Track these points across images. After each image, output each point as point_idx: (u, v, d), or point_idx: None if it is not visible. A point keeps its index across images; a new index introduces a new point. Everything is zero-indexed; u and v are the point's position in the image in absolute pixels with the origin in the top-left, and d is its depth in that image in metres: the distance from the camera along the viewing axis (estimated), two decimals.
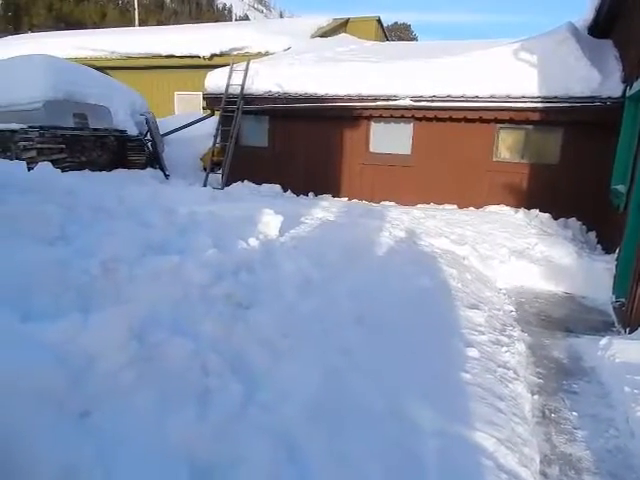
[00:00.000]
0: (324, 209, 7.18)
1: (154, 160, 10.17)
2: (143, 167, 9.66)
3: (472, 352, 3.42)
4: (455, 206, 8.30)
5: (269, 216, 4.98)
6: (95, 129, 8.71)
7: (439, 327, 3.67)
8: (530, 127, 7.82)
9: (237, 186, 9.38)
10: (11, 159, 7.13)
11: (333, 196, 9.25)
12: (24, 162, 3.74)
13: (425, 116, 8.29)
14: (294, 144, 9.67)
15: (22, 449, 1.51)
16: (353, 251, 4.69)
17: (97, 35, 18.98)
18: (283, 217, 5.00)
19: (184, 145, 11.60)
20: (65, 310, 2.08)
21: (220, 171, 9.71)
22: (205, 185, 9.35)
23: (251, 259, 3.71)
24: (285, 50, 12.81)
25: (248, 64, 9.76)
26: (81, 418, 1.67)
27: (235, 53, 13.52)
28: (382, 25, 17.91)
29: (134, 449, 1.66)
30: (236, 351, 2.43)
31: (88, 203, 3.28)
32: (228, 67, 10.00)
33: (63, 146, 8.08)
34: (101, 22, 49.09)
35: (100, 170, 8.62)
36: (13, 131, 7.61)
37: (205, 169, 10.26)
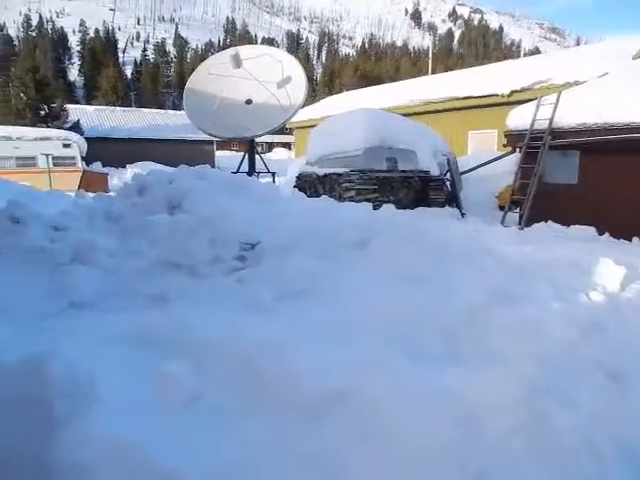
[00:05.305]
0: None
1: (452, 199, 10.34)
2: (442, 205, 9.92)
3: None
4: None
5: (606, 266, 4.26)
6: (402, 171, 9.44)
7: None
8: None
9: (539, 226, 8.60)
10: (335, 198, 8.33)
11: None
12: (370, 204, 4.15)
13: None
14: (612, 180, 8.30)
15: None
16: None
17: (396, 86, 21.09)
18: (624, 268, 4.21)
19: (477, 183, 11.45)
20: (440, 356, 2.10)
21: (517, 210, 9.14)
22: (503, 224, 8.93)
23: (600, 316, 3.17)
24: (600, 77, 11.34)
25: (559, 96, 9.00)
26: (477, 478, 1.58)
27: (538, 87, 12.75)
28: None
29: None
30: (620, 433, 2.00)
31: (430, 243, 3.40)
32: (534, 102, 9.45)
33: (376, 186, 9.02)
34: (395, 74, 55.05)
35: (404, 208, 9.24)
36: (339, 174, 8.92)
37: (501, 208, 9.84)
